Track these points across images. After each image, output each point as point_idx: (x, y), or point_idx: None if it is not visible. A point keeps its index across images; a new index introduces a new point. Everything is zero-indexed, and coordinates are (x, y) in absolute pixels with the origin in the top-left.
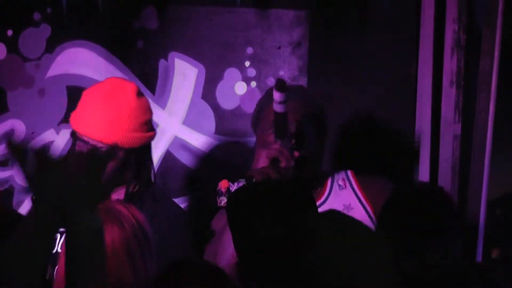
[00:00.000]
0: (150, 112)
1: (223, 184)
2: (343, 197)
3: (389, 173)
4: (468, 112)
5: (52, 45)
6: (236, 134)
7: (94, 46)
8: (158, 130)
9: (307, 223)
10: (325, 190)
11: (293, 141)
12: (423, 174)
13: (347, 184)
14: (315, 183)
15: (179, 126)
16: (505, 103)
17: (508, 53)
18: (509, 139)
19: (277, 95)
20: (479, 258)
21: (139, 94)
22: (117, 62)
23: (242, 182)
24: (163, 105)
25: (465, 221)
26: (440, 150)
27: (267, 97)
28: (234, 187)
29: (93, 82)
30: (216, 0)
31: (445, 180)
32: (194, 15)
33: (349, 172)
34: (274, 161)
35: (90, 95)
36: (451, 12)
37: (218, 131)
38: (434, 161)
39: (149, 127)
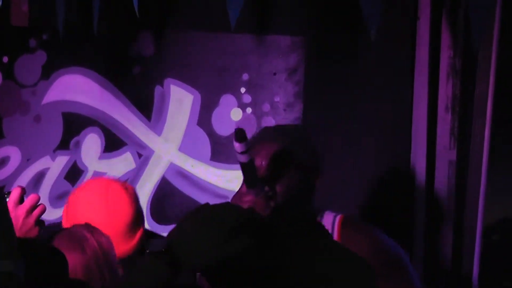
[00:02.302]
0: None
1: None
2: None
3: (384, 197)
4: (464, 138)
5: (48, 72)
6: (231, 160)
7: (90, 73)
8: (153, 157)
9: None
10: None
11: (267, 188)
12: (419, 200)
13: None
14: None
15: (174, 152)
16: (501, 129)
17: (504, 79)
18: (505, 165)
19: (237, 146)
20: (475, 283)
21: (135, 197)
22: (113, 88)
23: None
24: (159, 132)
25: (461, 248)
26: (436, 176)
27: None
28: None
29: (89, 108)
30: (212, 26)
31: (441, 206)
32: (190, 41)
33: (337, 219)
34: None
35: (84, 204)
36: (446, 38)
37: (214, 157)
38: (429, 187)
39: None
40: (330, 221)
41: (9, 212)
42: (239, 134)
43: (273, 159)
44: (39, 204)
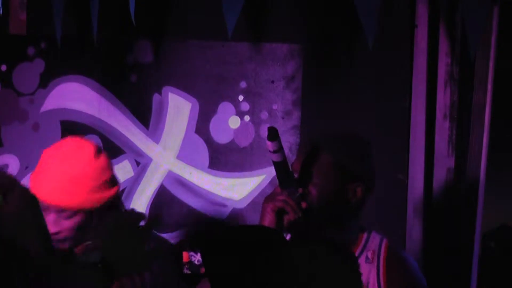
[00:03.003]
0: (110, 170)
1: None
2: (366, 271)
3: (382, 204)
4: (462, 145)
5: (46, 80)
6: (230, 168)
7: (88, 81)
8: (152, 165)
9: (279, 262)
10: None
11: (300, 190)
12: (417, 208)
13: (375, 259)
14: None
15: (173, 160)
16: (499, 136)
17: (502, 86)
18: (503, 172)
19: (269, 145)
20: None
21: (98, 153)
22: (111, 96)
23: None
24: (157, 140)
25: (459, 254)
26: (434, 184)
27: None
28: (196, 256)
29: (87, 116)
30: (210, 34)
31: (439, 213)
32: (188, 49)
33: (383, 243)
34: (279, 214)
35: (47, 157)
36: (444, 46)
37: (212, 165)
38: (427, 194)
39: (111, 184)
40: (376, 245)
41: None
42: (272, 132)
43: (307, 158)
44: None
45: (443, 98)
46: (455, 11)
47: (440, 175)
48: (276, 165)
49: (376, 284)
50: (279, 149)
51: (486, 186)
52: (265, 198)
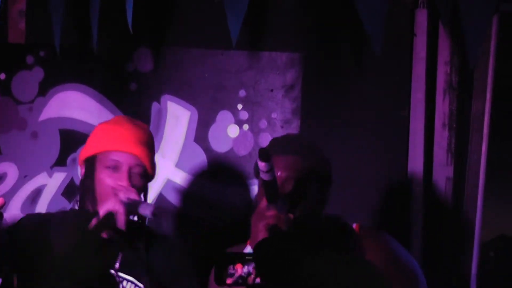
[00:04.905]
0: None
1: (238, 267)
2: None
3: (381, 213)
4: (461, 154)
5: (45, 88)
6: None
7: (87, 89)
8: None
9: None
10: None
11: (288, 202)
12: (417, 217)
13: None
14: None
15: (171, 169)
16: (498, 146)
17: (500, 96)
18: (502, 181)
19: (262, 165)
20: None
21: None
22: (110, 104)
23: (251, 264)
24: (156, 148)
25: (458, 263)
26: (433, 193)
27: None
28: (245, 268)
29: (86, 125)
30: (209, 43)
31: (438, 223)
32: (187, 58)
33: (353, 226)
34: (273, 230)
35: (107, 125)
36: (443, 55)
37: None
38: (426, 204)
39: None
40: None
41: None
42: (264, 153)
43: (298, 174)
44: None
45: (442, 107)
46: (455, 20)
47: (439, 184)
48: (266, 183)
49: None
50: (271, 169)
51: (485, 195)
52: (254, 215)
